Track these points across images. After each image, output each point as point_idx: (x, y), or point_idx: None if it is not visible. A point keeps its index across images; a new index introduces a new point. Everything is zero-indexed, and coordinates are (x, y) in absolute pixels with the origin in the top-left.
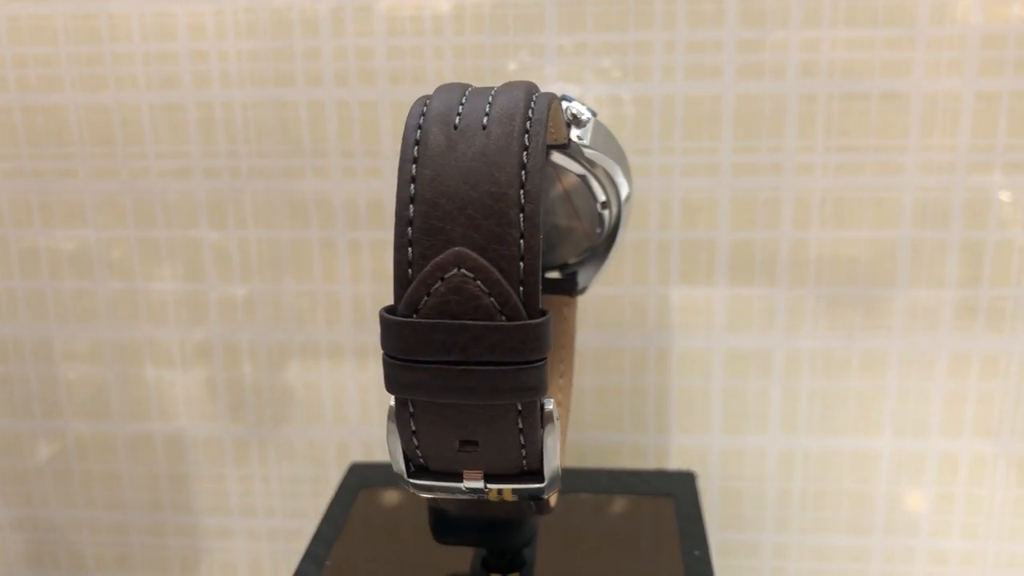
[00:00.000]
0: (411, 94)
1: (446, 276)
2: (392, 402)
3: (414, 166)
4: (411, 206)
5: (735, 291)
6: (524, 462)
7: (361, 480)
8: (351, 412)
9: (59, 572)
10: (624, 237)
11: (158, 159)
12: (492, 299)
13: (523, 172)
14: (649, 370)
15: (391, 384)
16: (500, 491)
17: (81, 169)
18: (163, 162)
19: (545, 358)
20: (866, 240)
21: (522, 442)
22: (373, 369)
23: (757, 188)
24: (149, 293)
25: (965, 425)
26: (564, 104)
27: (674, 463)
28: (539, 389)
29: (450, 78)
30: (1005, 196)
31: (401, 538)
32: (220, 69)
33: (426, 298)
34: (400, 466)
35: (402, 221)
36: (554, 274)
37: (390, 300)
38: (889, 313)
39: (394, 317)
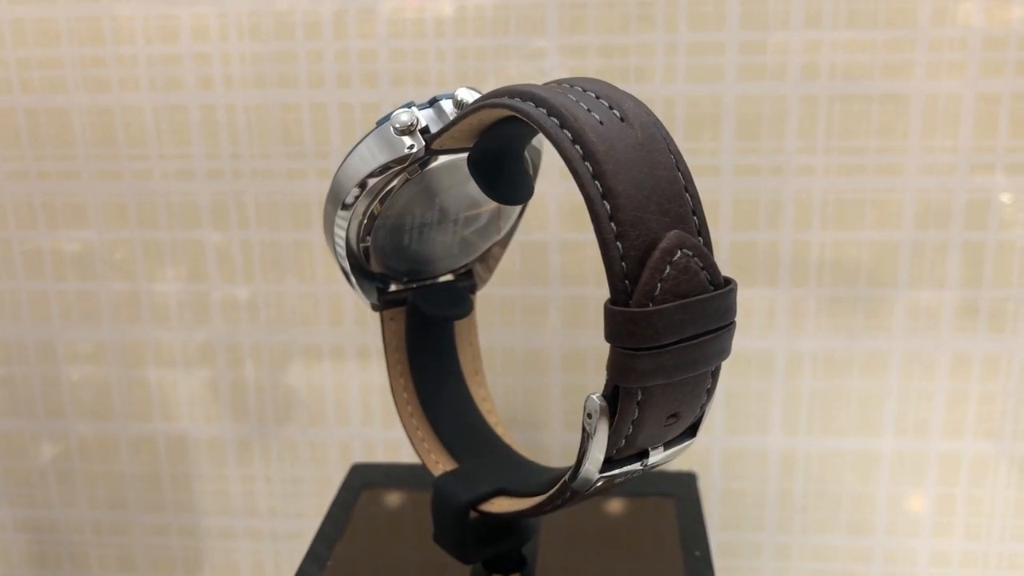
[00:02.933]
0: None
1: (673, 259)
2: (599, 401)
3: (588, 163)
4: (605, 201)
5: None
6: (693, 422)
7: (363, 480)
8: (353, 413)
9: (62, 573)
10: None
11: (161, 161)
12: (705, 272)
13: (673, 157)
14: None
15: (628, 376)
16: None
17: (84, 171)
18: (166, 164)
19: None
20: (867, 241)
21: (703, 401)
22: (375, 370)
23: (758, 189)
24: (152, 294)
25: (966, 426)
26: None
27: (674, 464)
28: (730, 348)
29: (452, 81)
30: (1005, 198)
31: (403, 538)
32: (223, 71)
33: (660, 284)
34: (598, 464)
35: (603, 217)
36: (447, 277)
37: None
38: (890, 314)
39: (639, 309)
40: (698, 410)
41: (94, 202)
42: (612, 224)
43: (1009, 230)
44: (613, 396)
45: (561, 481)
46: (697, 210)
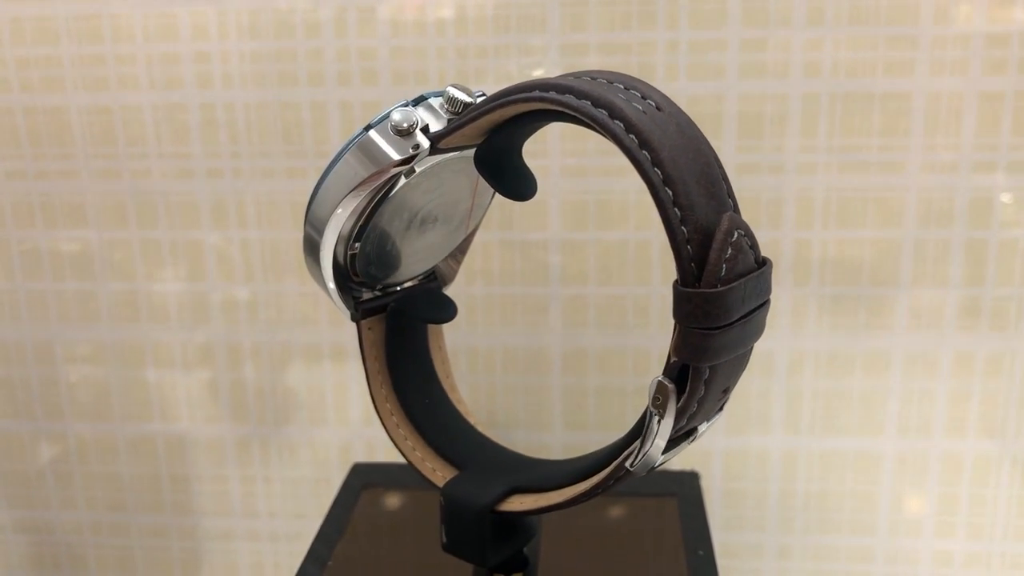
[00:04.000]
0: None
1: (732, 240)
2: (668, 383)
3: (646, 152)
4: (667, 188)
5: None
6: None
7: (363, 480)
8: (353, 413)
9: (60, 574)
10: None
11: (160, 160)
12: (752, 251)
13: (705, 142)
14: (652, 371)
15: (703, 355)
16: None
17: (83, 170)
18: (165, 163)
19: None
20: (869, 240)
21: (741, 374)
22: None
23: (760, 188)
24: (151, 294)
25: (969, 425)
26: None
27: (676, 464)
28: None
29: (453, 79)
30: (1006, 198)
31: (403, 538)
32: (222, 70)
33: (724, 264)
34: (661, 447)
35: (667, 203)
36: (413, 281)
37: None
38: (892, 313)
39: (711, 290)
40: (736, 383)
41: (93, 201)
42: (676, 209)
43: (1012, 229)
44: (681, 376)
45: (613, 467)
46: (731, 192)
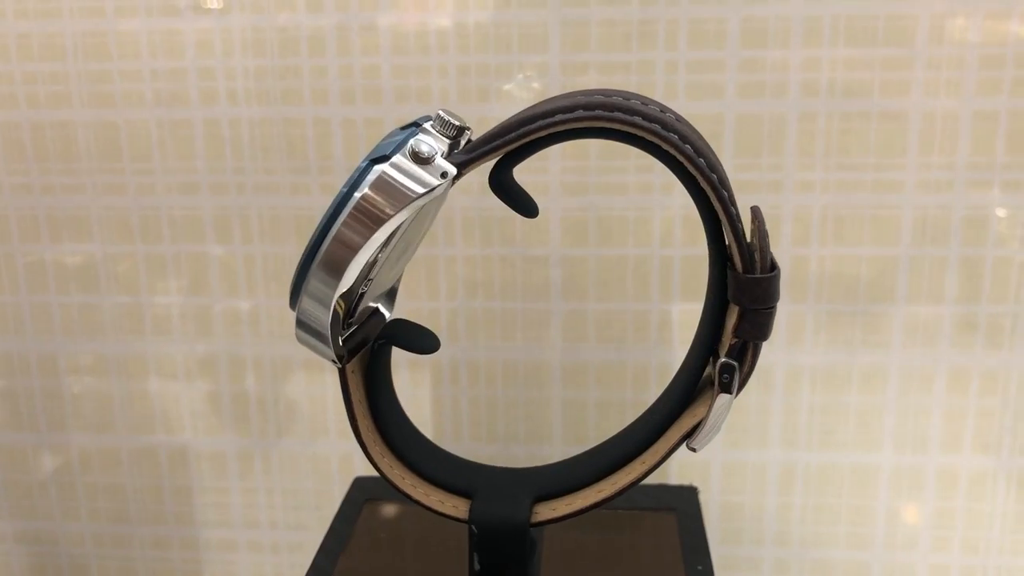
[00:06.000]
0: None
1: (761, 231)
2: (733, 362)
3: (701, 159)
4: (723, 189)
5: None
6: None
7: (365, 493)
8: None
9: None
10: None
11: (165, 175)
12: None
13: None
14: (651, 385)
15: (764, 331)
16: None
17: (88, 185)
18: (170, 178)
19: None
20: (866, 257)
21: None
22: None
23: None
24: (154, 307)
25: (965, 440)
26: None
27: (675, 478)
28: None
29: (454, 97)
30: (1001, 212)
31: (405, 551)
32: (227, 86)
33: (760, 250)
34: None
35: (728, 202)
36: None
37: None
38: (889, 329)
39: (769, 275)
40: None
41: (97, 215)
42: (733, 208)
43: (1007, 246)
44: (740, 355)
45: (669, 449)
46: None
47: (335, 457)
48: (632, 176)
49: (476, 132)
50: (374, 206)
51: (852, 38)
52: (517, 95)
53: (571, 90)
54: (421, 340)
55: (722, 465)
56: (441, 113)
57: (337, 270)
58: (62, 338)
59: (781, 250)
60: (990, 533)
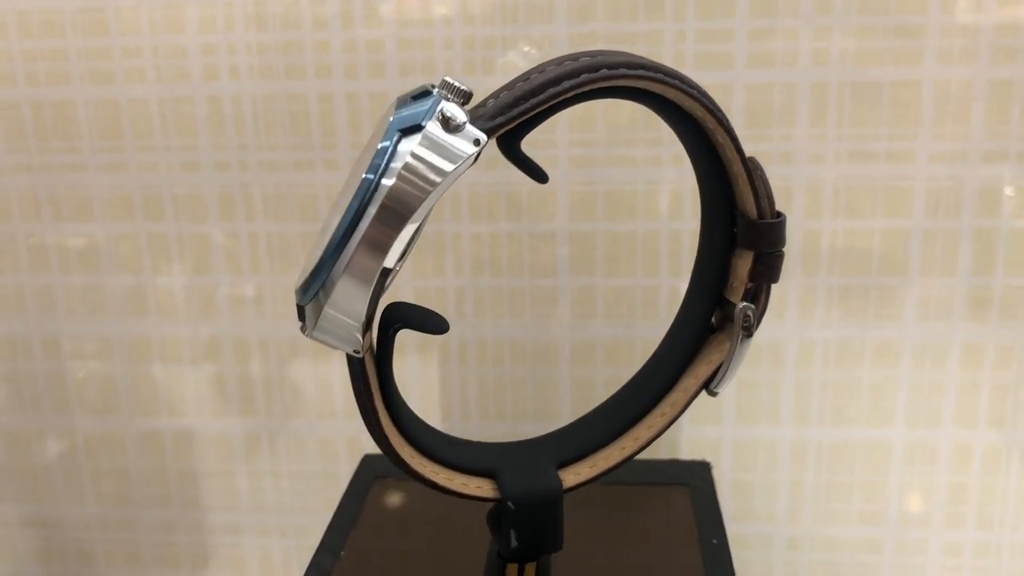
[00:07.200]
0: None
1: (763, 177)
2: (750, 304)
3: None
4: (731, 125)
5: None
6: None
7: (374, 471)
8: None
9: (68, 569)
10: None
11: (167, 153)
12: None
13: None
14: None
15: (777, 273)
16: None
17: (89, 163)
18: (172, 156)
19: None
20: (878, 229)
21: None
22: None
23: (769, 177)
24: (158, 288)
25: (978, 415)
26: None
27: (686, 454)
28: None
29: (460, 69)
30: (1008, 191)
31: (415, 528)
32: (229, 62)
33: (767, 196)
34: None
35: (742, 151)
36: None
37: (400, 296)
38: (901, 303)
39: (778, 220)
40: None
41: (99, 195)
42: (748, 163)
43: (1021, 218)
44: (755, 298)
45: (692, 394)
46: None
47: (342, 439)
48: (641, 150)
49: None
50: (418, 175)
51: (864, 7)
52: (523, 67)
53: None
54: (432, 321)
55: (733, 442)
56: (448, 79)
57: (382, 246)
58: (65, 320)
59: (793, 223)
60: (1004, 508)
